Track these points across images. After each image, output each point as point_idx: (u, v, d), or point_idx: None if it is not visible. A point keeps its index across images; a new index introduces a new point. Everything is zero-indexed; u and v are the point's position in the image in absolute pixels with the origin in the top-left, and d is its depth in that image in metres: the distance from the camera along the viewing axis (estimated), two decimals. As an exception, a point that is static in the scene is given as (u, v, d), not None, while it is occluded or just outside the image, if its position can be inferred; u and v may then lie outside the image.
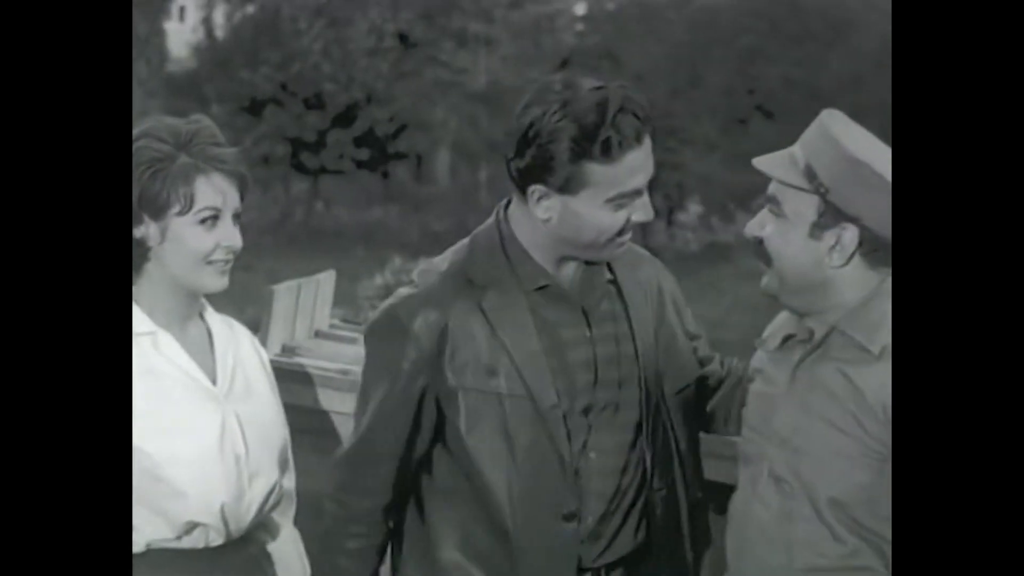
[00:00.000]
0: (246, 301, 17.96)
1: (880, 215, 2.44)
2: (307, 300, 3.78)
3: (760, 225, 2.56)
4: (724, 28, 33.65)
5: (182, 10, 41.67)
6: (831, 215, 2.47)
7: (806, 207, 2.49)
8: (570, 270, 2.73)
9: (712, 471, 3.27)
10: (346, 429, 3.72)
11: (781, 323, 2.69)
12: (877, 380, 2.43)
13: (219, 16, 38.12)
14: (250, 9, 37.24)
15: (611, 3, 37.70)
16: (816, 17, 33.43)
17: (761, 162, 2.56)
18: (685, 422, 2.86)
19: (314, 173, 36.34)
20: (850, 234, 2.48)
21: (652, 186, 2.67)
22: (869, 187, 2.45)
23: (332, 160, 35.67)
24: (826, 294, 2.52)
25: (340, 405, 3.54)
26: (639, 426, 2.76)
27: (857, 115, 2.62)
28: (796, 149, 2.54)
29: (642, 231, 32.15)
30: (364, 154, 35.84)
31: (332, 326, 4.16)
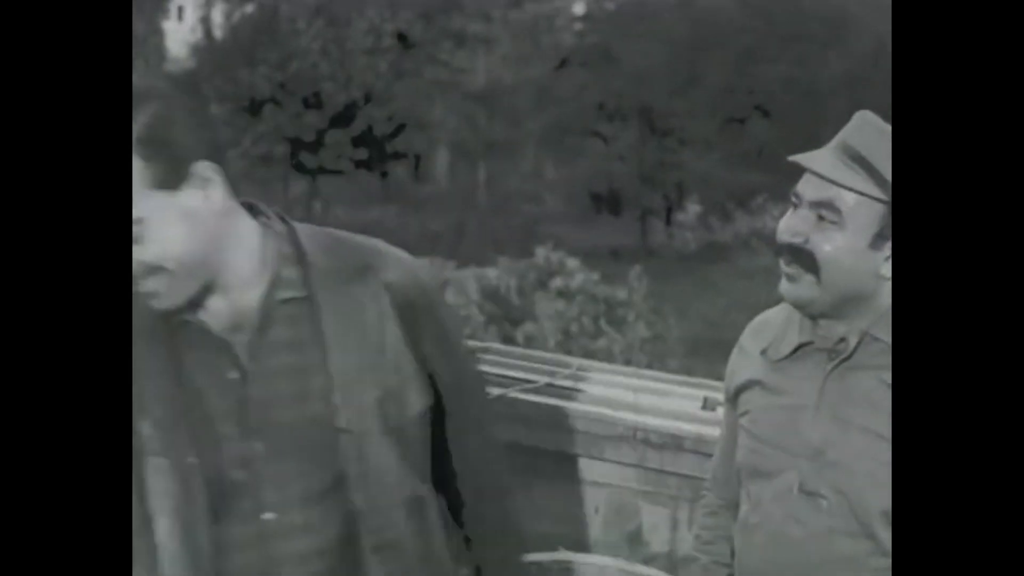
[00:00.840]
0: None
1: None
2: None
3: (801, 233, 2.40)
4: (723, 28, 33.63)
5: (180, 10, 41.63)
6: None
7: (871, 216, 2.37)
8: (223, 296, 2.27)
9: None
10: None
11: (782, 329, 2.58)
12: None
13: (217, 15, 38.11)
14: (249, 9, 37.22)
15: (610, 3, 37.67)
16: (814, 17, 33.43)
17: (824, 167, 2.41)
18: (429, 452, 2.44)
19: (313, 173, 36.31)
20: None
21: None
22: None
23: (331, 160, 35.65)
24: (869, 303, 2.43)
25: None
26: (336, 469, 2.29)
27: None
28: (848, 153, 2.42)
29: (642, 230, 32.14)
30: (362, 154, 35.82)
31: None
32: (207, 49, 37.75)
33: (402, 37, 36.13)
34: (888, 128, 2.40)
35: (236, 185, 2.33)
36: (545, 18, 37.14)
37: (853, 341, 2.43)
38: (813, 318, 2.46)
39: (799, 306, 2.45)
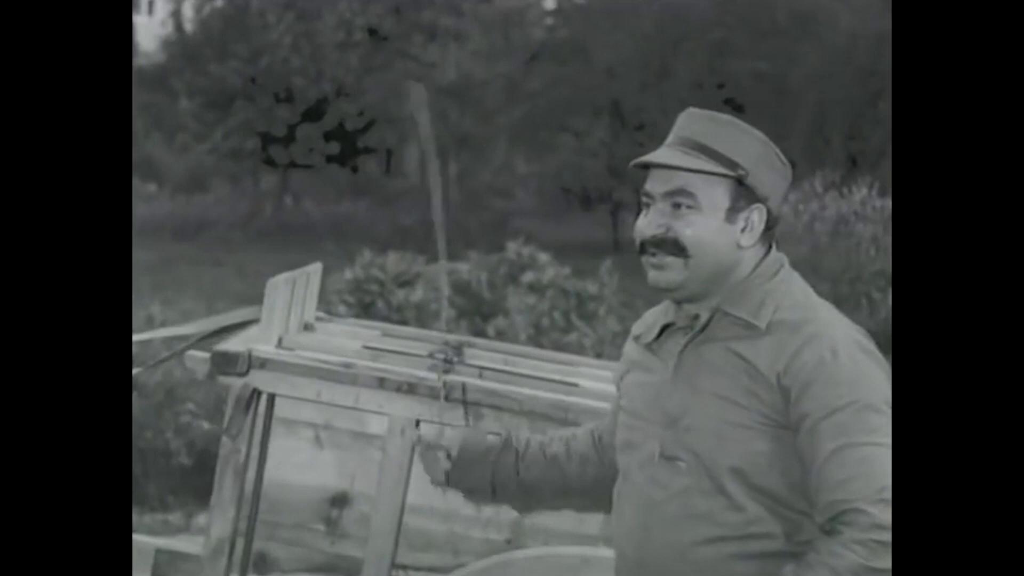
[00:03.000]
0: (216, 295, 17.94)
1: (779, 193, 2.67)
2: (299, 293, 3.81)
3: (662, 224, 2.66)
4: (693, 22, 33.67)
5: (151, 4, 41.48)
6: (744, 198, 2.63)
7: (721, 194, 2.63)
8: None
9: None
10: (347, 423, 3.73)
11: (653, 316, 2.82)
12: (767, 352, 2.57)
13: (188, 10, 37.95)
14: (219, 3, 37.08)
15: (580, -3, 37.69)
16: (784, 11, 33.51)
17: (670, 159, 2.65)
18: None
19: (283, 167, 36.21)
20: (758, 214, 2.65)
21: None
22: (774, 167, 2.65)
23: (302, 154, 35.55)
24: (728, 276, 2.66)
25: (342, 398, 3.58)
26: None
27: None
28: (686, 144, 2.65)
29: (613, 225, 32.15)
30: (333, 148, 35.73)
31: (318, 319, 4.20)
32: (177, 43, 37.58)
33: (373, 31, 36.06)
34: (717, 114, 2.69)
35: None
36: (516, 12, 37.13)
37: (705, 317, 2.67)
38: (682, 301, 2.71)
39: (670, 290, 2.69)
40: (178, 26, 37.95)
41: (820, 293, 2.71)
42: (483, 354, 4.05)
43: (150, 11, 41.26)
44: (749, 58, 32.74)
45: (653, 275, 2.68)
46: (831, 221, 19.38)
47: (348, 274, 17.78)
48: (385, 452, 3.56)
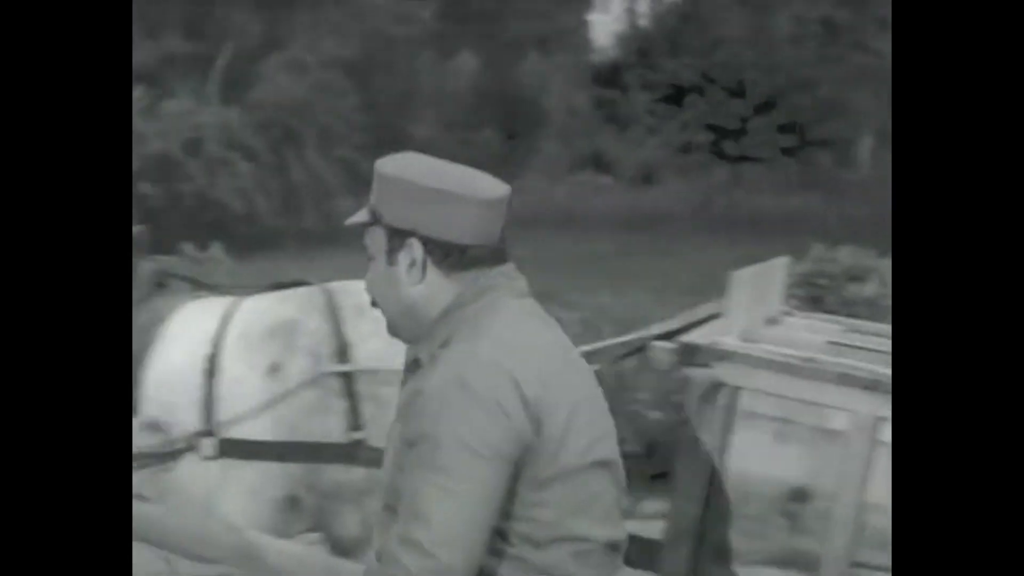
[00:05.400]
0: (666, 287, 18.23)
1: (434, 220, 2.60)
2: (764, 287, 3.81)
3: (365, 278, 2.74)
4: None
5: (606, 0, 42.47)
6: (395, 237, 2.64)
7: (379, 239, 2.67)
8: None
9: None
10: (809, 418, 3.76)
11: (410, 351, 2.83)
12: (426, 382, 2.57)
13: (643, 5, 38.65)
14: (674, -4, 37.58)
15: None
16: None
17: (356, 218, 2.71)
18: None
19: (734, 160, 36.37)
20: (415, 248, 2.63)
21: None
22: (412, 198, 2.59)
23: (753, 147, 35.60)
24: (417, 316, 2.67)
25: (804, 393, 3.59)
26: None
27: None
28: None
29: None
30: (787, 141, 35.60)
31: (784, 313, 4.16)
32: (632, 39, 38.33)
33: (827, 23, 35.66)
34: (382, 163, 2.67)
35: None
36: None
37: (410, 358, 2.73)
38: (408, 343, 2.75)
39: (390, 334, 2.76)
40: (633, 22, 38.71)
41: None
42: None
43: (606, 8, 42.24)
44: None
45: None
46: None
47: (799, 267, 17.67)
48: (847, 449, 3.52)
